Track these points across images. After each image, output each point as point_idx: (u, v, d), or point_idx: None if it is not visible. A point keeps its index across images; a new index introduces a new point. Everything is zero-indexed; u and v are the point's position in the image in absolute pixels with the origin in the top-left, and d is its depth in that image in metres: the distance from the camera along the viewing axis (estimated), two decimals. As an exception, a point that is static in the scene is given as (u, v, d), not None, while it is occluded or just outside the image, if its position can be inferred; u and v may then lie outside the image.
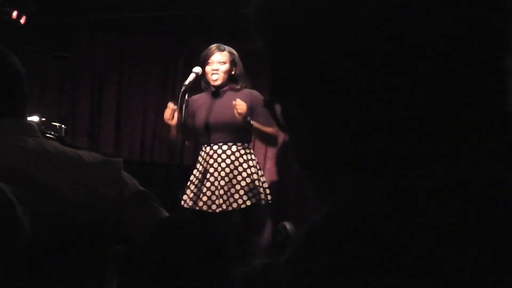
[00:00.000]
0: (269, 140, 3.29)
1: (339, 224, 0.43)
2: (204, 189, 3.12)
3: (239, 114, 2.98)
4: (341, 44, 0.42)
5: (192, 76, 3.08)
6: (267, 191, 3.20)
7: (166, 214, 1.30)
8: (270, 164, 4.40)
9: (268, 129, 3.15)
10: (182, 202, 3.19)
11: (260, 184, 3.17)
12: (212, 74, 3.14)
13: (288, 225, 2.85)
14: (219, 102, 3.20)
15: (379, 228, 0.41)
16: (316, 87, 0.45)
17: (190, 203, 3.13)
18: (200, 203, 3.10)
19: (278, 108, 0.51)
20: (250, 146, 3.26)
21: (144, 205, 1.28)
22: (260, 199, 3.14)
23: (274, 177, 4.34)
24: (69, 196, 1.19)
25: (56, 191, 1.19)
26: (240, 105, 2.98)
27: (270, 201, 3.20)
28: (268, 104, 0.50)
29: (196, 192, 3.13)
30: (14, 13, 3.31)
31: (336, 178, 0.47)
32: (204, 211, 3.09)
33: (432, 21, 0.41)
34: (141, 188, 1.32)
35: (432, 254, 0.39)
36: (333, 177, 0.47)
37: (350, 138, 0.44)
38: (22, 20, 3.36)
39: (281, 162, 4.32)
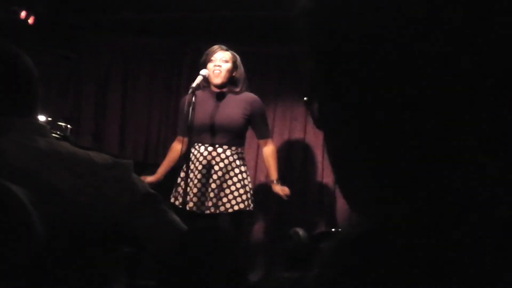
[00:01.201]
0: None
1: (376, 238, 0.40)
2: (195, 190, 3.11)
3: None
4: (385, 48, 0.42)
5: (199, 79, 3.07)
6: (253, 198, 3.24)
7: (176, 217, 1.29)
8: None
9: (275, 161, 3.36)
10: (172, 200, 3.18)
11: (248, 190, 3.20)
12: (214, 70, 3.12)
13: (300, 231, 2.81)
14: (217, 104, 3.19)
15: (419, 245, 0.39)
16: (355, 88, 0.44)
17: (180, 203, 3.12)
18: (190, 204, 3.09)
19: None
20: (243, 151, 3.26)
21: (153, 208, 1.28)
22: (247, 205, 3.16)
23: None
24: (78, 197, 1.19)
25: (65, 192, 1.18)
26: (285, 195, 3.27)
27: (252, 209, 3.27)
28: (308, 104, 0.49)
29: (188, 192, 3.10)
30: (23, 13, 3.31)
31: (373, 186, 0.44)
32: (194, 212, 3.09)
33: (448, 26, 0.40)
34: (151, 190, 1.31)
35: (479, 275, 0.37)
36: (370, 184, 0.45)
37: (388, 143, 0.42)
38: (30, 20, 3.36)
39: (284, 165, 4.31)
